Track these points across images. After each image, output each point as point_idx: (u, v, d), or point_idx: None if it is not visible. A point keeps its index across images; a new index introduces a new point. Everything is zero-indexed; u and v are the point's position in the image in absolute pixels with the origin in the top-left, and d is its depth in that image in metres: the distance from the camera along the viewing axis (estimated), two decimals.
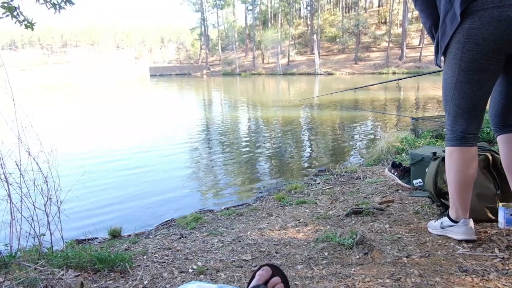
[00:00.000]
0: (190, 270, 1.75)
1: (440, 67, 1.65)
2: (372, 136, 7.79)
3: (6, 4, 2.59)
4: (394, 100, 15.07)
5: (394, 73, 34.73)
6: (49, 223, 2.09)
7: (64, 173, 2.33)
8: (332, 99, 13.38)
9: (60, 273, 1.63)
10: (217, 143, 8.07)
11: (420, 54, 37.83)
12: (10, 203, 1.96)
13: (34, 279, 1.52)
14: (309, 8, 56.99)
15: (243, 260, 1.82)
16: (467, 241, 1.63)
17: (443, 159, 1.89)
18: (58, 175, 2.18)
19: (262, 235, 2.20)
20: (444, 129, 3.16)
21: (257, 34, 54.07)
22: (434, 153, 2.18)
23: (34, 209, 2.06)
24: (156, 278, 1.68)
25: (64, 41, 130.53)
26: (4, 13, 2.61)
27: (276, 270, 0.81)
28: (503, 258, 1.47)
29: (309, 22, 55.27)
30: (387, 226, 2.02)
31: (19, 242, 2.00)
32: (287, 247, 1.93)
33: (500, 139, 1.67)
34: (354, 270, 1.52)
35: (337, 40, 48.66)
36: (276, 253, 1.86)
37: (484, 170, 1.87)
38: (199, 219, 3.02)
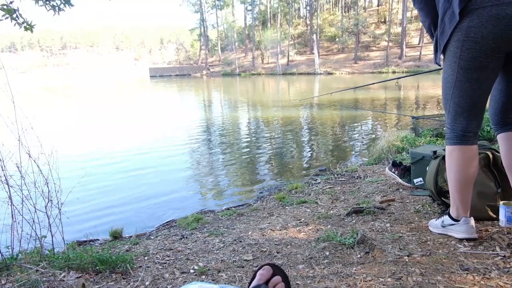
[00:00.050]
0: (192, 271, 1.75)
1: (440, 66, 1.65)
2: (373, 136, 7.79)
3: (5, 7, 2.59)
4: (394, 99, 15.07)
5: (394, 72, 34.70)
6: (50, 225, 2.09)
7: (64, 175, 2.33)
8: (332, 99, 13.38)
9: (62, 275, 1.63)
10: (217, 143, 8.07)
11: (420, 53, 37.81)
12: (11, 205, 1.96)
13: (36, 281, 1.52)
14: (308, 8, 57.05)
15: (244, 260, 1.83)
16: (468, 240, 1.63)
17: (443, 157, 1.89)
18: (58, 177, 2.18)
19: (263, 235, 2.20)
20: (444, 128, 3.15)
21: (257, 34, 54.10)
22: (435, 152, 2.18)
23: (35, 211, 2.06)
24: (158, 279, 1.68)
25: (64, 43, 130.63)
26: (3, 16, 2.61)
27: (277, 270, 0.81)
28: (504, 256, 1.47)
29: (308, 22, 55.27)
30: (388, 225, 2.02)
31: (20, 244, 2.00)
32: (288, 246, 1.93)
33: (500, 137, 1.67)
34: (355, 270, 1.52)
35: (337, 39, 48.62)
36: (277, 253, 1.86)
37: (484, 168, 1.87)
38: (200, 219, 3.02)
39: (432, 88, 18.11)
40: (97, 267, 1.73)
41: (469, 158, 1.59)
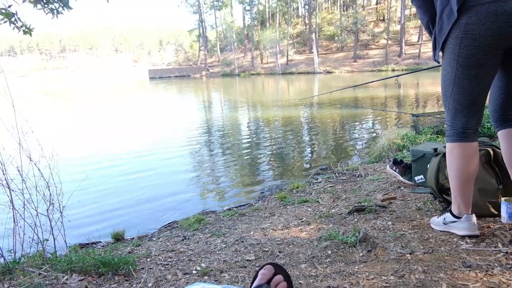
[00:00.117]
0: (194, 272, 1.75)
1: (439, 63, 1.65)
2: (373, 134, 7.78)
3: (4, 11, 2.60)
4: (394, 97, 15.06)
5: (393, 70, 34.67)
6: (52, 228, 2.09)
7: (65, 178, 2.33)
8: (332, 98, 13.37)
9: (64, 278, 1.63)
10: (217, 144, 8.07)
11: (419, 50, 37.78)
12: (12, 209, 1.96)
13: (39, 284, 1.52)
14: (307, 7, 56.98)
15: (247, 260, 1.83)
16: (470, 237, 1.63)
17: (444, 155, 1.89)
18: (60, 180, 2.19)
19: (265, 235, 2.20)
20: (444, 125, 3.15)
21: (256, 34, 54.09)
22: (435, 149, 2.18)
23: (37, 215, 2.06)
24: (160, 280, 1.68)
25: (63, 46, 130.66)
26: (2, 20, 2.61)
27: (278, 269, 0.82)
28: (506, 252, 1.47)
29: (307, 21, 55.24)
30: (389, 223, 2.02)
31: (22, 248, 2.00)
32: (290, 246, 1.93)
33: (501, 134, 1.67)
34: (357, 268, 1.52)
35: (336, 38, 48.63)
36: (280, 252, 1.86)
37: (485, 165, 1.87)
38: (201, 220, 3.02)
39: (432, 85, 18.11)
40: (100, 270, 1.73)
41: (470, 155, 1.59)
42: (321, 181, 3.88)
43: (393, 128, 6.40)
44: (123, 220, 3.88)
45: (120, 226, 3.34)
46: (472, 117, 1.57)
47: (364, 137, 7.74)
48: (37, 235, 2.03)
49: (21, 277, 1.62)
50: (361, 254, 1.65)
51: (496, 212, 1.80)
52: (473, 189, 1.65)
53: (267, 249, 1.93)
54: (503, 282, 1.27)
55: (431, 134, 4.72)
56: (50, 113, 15.16)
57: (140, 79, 49.46)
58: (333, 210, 2.55)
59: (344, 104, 13.02)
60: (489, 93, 1.61)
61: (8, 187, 1.97)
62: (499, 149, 1.77)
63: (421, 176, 2.61)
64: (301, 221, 2.40)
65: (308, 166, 5.71)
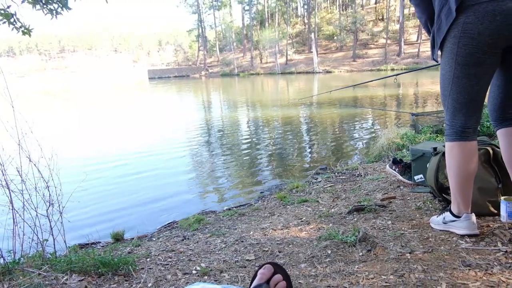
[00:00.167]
0: (194, 272, 1.75)
1: (437, 62, 1.66)
2: (373, 133, 7.79)
3: (3, 11, 2.59)
4: (393, 97, 15.07)
5: (392, 69, 34.69)
6: (51, 229, 2.09)
7: (65, 178, 2.33)
8: (331, 97, 13.37)
9: (64, 278, 1.63)
10: (217, 144, 8.07)
11: (418, 50, 37.78)
12: (12, 209, 1.96)
13: (38, 284, 1.52)
14: (306, 6, 56.98)
15: (247, 260, 1.83)
16: (469, 236, 1.63)
17: (443, 154, 1.89)
18: (59, 181, 2.18)
19: (265, 235, 2.20)
20: (444, 124, 3.16)
21: (255, 34, 54.10)
22: (435, 148, 2.18)
23: (37, 215, 2.06)
24: (160, 280, 1.68)
25: (62, 47, 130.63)
26: (1, 20, 2.61)
27: (278, 268, 0.82)
28: (506, 251, 1.47)
29: (306, 21, 55.26)
30: (389, 222, 2.02)
31: (22, 248, 2.00)
32: (290, 246, 1.93)
33: (500, 133, 1.67)
34: (357, 267, 1.52)
35: (335, 38, 48.62)
36: (279, 252, 1.86)
37: (485, 164, 1.87)
38: (201, 220, 3.02)
39: (431, 84, 18.11)
40: (100, 270, 1.73)
41: (469, 154, 1.60)
42: (320, 181, 3.88)
43: (393, 127, 6.39)
44: (123, 220, 3.88)
45: (120, 226, 3.34)
46: (471, 116, 1.57)
47: (363, 136, 7.74)
48: (37, 235, 2.03)
49: (21, 277, 1.62)
50: (360, 254, 1.65)
51: (495, 211, 1.80)
52: (472, 188, 1.65)
53: (266, 249, 1.93)
54: (503, 281, 1.27)
55: (430, 133, 4.72)
56: (50, 114, 15.15)
57: (140, 79, 49.45)
58: (332, 210, 2.55)
59: (343, 103, 13.03)
60: (488, 92, 1.61)
61: (8, 188, 1.97)
62: (499, 148, 1.77)
63: (421, 176, 2.61)
64: (301, 221, 2.40)
65: (307, 165, 5.71)
